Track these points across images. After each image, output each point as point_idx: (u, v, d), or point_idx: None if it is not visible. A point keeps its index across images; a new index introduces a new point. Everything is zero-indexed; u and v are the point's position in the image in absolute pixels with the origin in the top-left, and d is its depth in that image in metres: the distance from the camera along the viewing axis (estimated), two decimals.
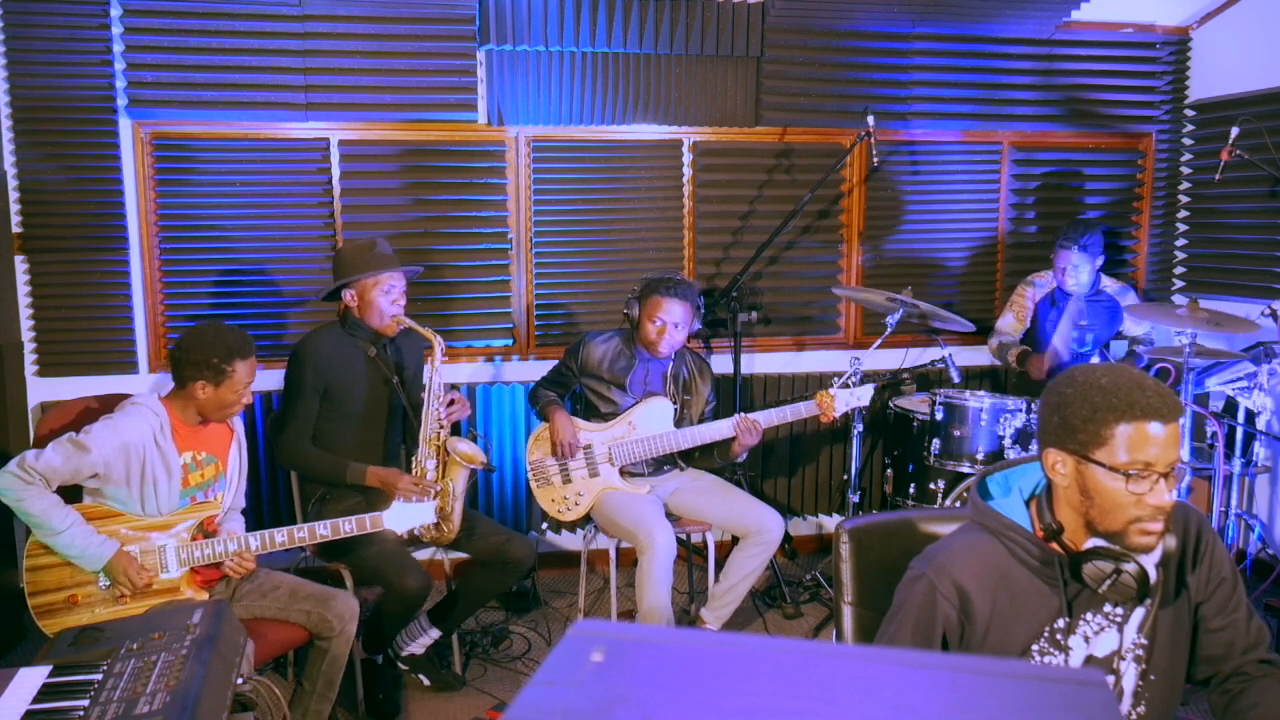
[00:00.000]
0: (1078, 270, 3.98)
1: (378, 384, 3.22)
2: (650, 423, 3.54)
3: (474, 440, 3.26)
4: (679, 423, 3.58)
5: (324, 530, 2.78)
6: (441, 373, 3.16)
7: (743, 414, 3.48)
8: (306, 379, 3.12)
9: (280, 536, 2.73)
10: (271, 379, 3.68)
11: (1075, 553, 1.57)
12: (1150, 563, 1.53)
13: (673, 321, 3.44)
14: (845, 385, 3.54)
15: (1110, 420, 1.48)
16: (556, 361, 3.71)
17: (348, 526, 2.80)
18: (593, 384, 3.57)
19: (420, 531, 3.10)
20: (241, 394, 2.74)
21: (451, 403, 3.22)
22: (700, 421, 3.62)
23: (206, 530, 2.73)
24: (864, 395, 3.54)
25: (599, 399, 3.57)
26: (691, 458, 3.69)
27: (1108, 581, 1.52)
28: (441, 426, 3.16)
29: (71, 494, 2.63)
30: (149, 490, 2.63)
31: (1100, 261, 4.04)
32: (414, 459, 3.18)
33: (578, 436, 3.50)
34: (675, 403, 3.58)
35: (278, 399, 3.22)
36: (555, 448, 3.48)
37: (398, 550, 3.07)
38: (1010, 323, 4.26)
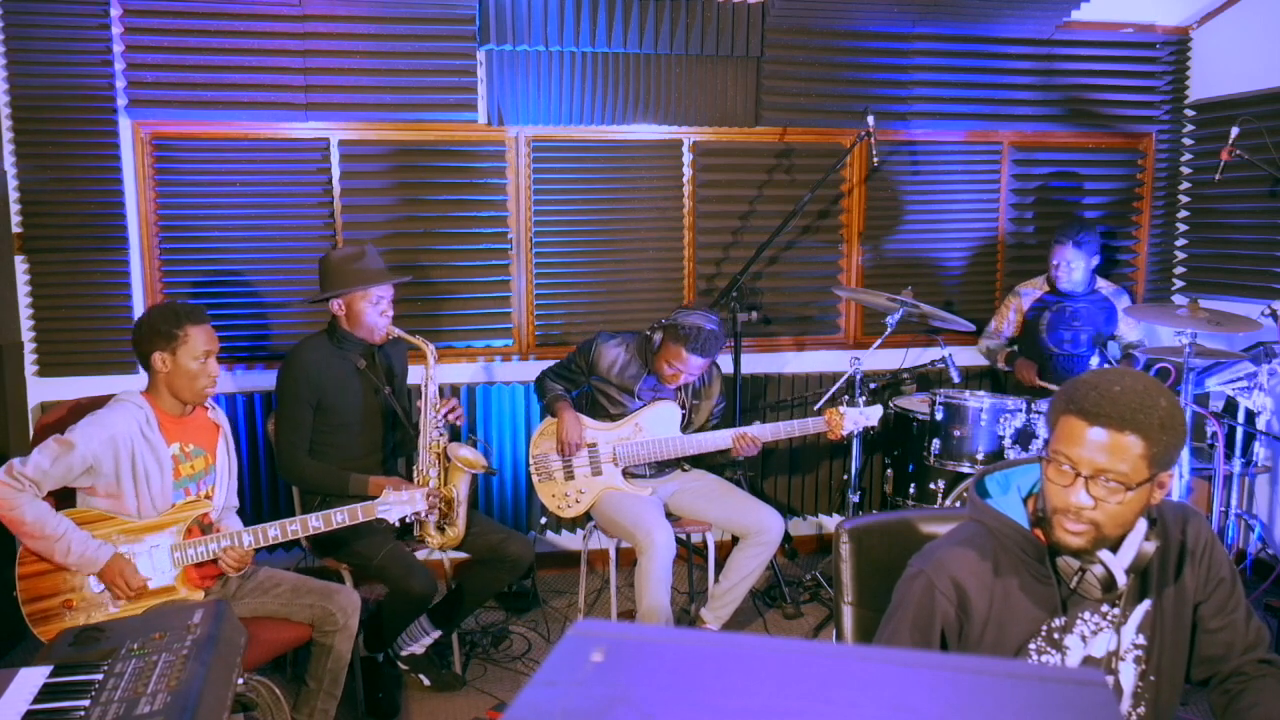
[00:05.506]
0: (1072, 267, 4.00)
1: (369, 394, 3.21)
2: (657, 426, 3.53)
3: (474, 445, 3.26)
4: (685, 428, 3.58)
5: (316, 522, 2.77)
6: (436, 380, 3.16)
7: (744, 430, 3.46)
8: (299, 394, 3.11)
9: (274, 530, 2.73)
10: (272, 379, 3.67)
11: (1052, 543, 1.58)
12: (1119, 567, 1.53)
13: (689, 372, 3.42)
14: (853, 404, 3.54)
15: (1059, 408, 1.56)
16: (563, 356, 3.70)
17: (340, 517, 2.79)
18: (601, 386, 3.56)
19: (414, 520, 3.07)
20: (204, 362, 2.69)
21: (453, 409, 3.22)
22: (708, 422, 3.63)
23: (203, 525, 2.73)
24: (873, 415, 3.52)
25: (608, 401, 3.56)
26: (700, 457, 3.68)
27: (1076, 578, 1.55)
28: (440, 434, 3.16)
29: (65, 500, 2.63)
30: (143, 485, 2.62)
31: (1096, 261, 4.05)
32: (415, 468, 3.17)
33: (583, 436, 3.50)
34: (684, 408, 3.58)
35: (277, 400, 3.22)
36: (560, 445, 3.49)
37: (403, 553, 3.07)
38: (992, 329, 4.35)
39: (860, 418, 3.50)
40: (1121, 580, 1.53)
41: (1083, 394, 1.52)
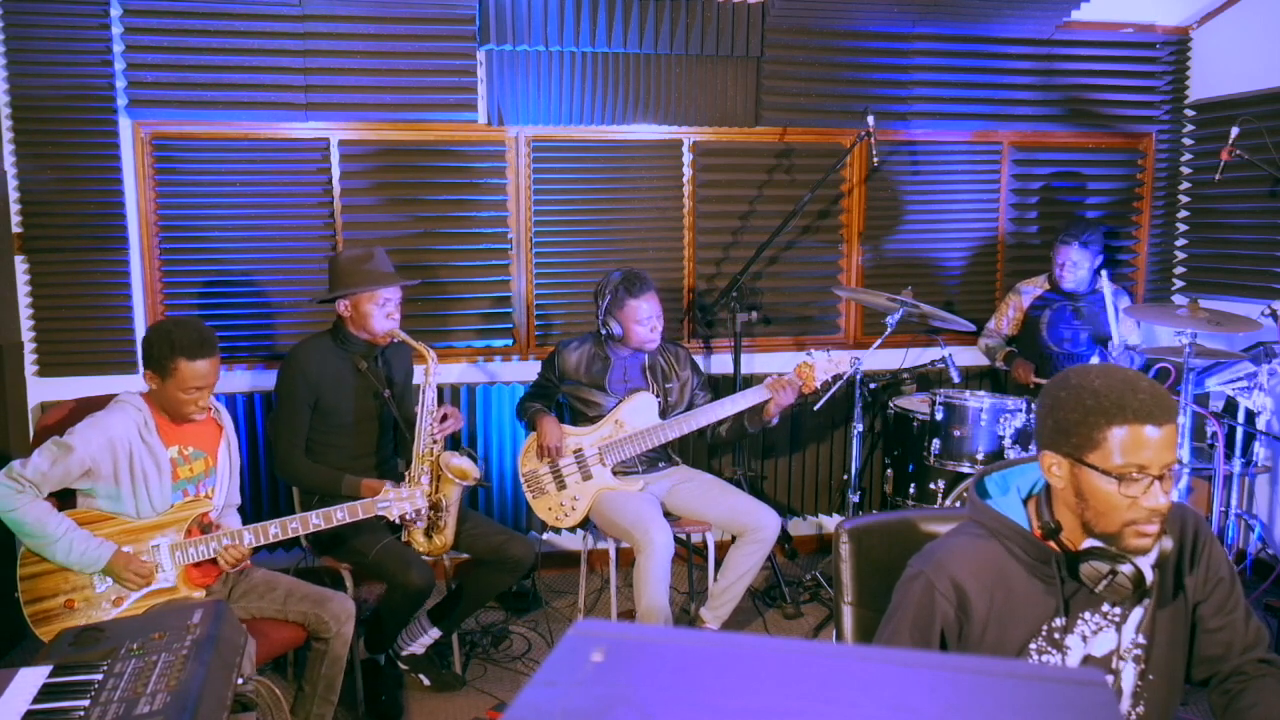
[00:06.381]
0: (1076, 267, 4.01)
1: (367, 397, 3.22)
2: (637, 418, 3.55)
3: (468, 456, 3.25)
4: (664, 413, 3.59)
5: (317, 519, 2.77)
6: (434, 387, 3.16)
7: (774, 375, 3.49)
8: (297, 392, 3.12)
9: (274, 529, 2.73)
10: (271, 379, 3.67)
11: (1072, 552, 1.57)
12: (1146, 564, 1.54)
13: (656, 314, 3.50)
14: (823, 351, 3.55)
15: (1102, 424, 1.48)
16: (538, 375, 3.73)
17: (340, 514, 2.80)
18: (573, 389, 3.59)
19: (401, 524, 3.07)
20: (190, 394, 2.64)
21: (444, 418, 3.22)
22: (690, 404, 3.64)
23: (203, 524, 2.73)
24: (842, 361, 3.53)
25: (583, 404, 3.59)
26: (720, 436, 3.66)
27: (1104, 582, 1.52)
28: (435, 442, 3.16)
29: (64, 501, 2.62)
30: (140, 487, 2.62)
31: (1099, 260, 4.05)
32: (407, 475, 3.17)
33: (563, 439, 3.52)
34: (658, 395, 3.59)
35: (276, 398, 3.23)
36: (541, 450, 3.50)
37: (400, 546, 3.08)
38: (992, 327, 4.37)
39: (829, 365, 3.50)
40: (1150, 576, 1.53)
41: (1130, 399, 1.47)
